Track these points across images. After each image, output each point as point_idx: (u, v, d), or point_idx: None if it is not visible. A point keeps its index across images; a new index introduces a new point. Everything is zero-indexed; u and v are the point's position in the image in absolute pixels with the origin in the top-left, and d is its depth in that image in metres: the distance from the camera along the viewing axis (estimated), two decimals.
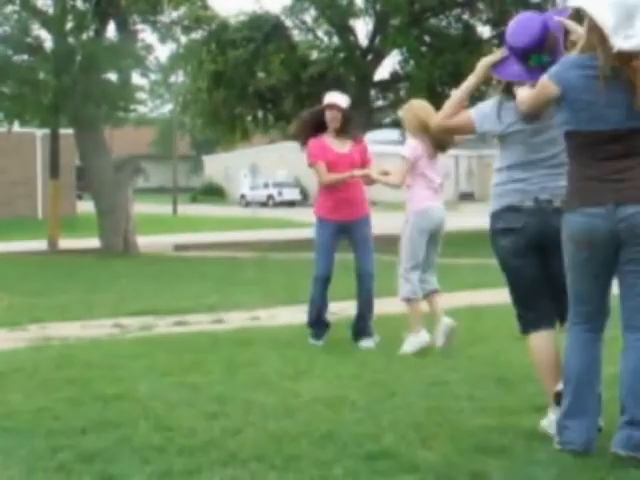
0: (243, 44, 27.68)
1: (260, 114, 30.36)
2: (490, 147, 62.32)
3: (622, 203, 4.57)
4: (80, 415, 5.50)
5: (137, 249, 22.83)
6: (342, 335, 8.54)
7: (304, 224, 38.42)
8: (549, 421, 5.06)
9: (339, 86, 28.88)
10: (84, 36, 22.52)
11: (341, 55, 28.80)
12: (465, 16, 29.58)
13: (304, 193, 69.10)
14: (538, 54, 5.02)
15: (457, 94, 5.34)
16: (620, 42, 4.48)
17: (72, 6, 22.73)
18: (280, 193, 65.80)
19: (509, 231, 5.16)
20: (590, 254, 4.67)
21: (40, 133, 36.91)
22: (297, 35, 30.11)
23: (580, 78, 4.60)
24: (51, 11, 23.02)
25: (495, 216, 5.24)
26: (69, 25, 22.57)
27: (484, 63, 5.29)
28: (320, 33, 29.99)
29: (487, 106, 5.36)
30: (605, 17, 4.51)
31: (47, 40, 23.16)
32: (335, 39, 29.46)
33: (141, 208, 32.25)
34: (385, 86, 31.14)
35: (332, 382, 6.41)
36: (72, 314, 10.65)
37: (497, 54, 5.24)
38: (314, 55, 29.70)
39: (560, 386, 4.96)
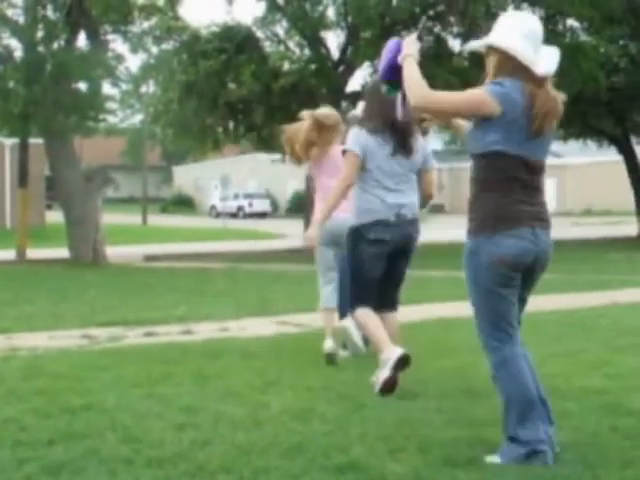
0: (214, 55, 27.66)
1: (231, 125, 30.35)
2: (461, 160, 62.59)
3: (542, 229, 4.84)
4: (47, 426, 5.46)
5: (106, 259, 22.74)
6: (311, 347, 8.53)
7: (275, 235, 38.44)
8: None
9: (310, 98, 29.00)
10: (54, 45, 22.43)
11: (312, 67, 28.84)
12: (436, 29, 29.71)
13: (274, 204, 69.12)
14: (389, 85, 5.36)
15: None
16: (541, 67, 4.72)
17: (43, 15, 22.66)
18: (251, 204, 65.76)
19: (379, 241, 6.64)
20: (517, 275, 4.82)
21: (9, 142, 36.73)
22: (268, 46, 30.13)
23: (518, 103, 4.70)
24: (21, 20, 22.94)
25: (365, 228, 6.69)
26: (39, 34, 22.49)
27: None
28: (292, 45, 30.04)
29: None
30: (522, 44, 4.69)
31: (17, 49, 23.09)
32: (306, 51, 29.51)
33: (111, 218, 32.13)
34: (356, 98, 31.14)
35: (301, 394, 6.40)
36: (40, 324, 10.58)
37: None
38: (285, 66, 29.72)
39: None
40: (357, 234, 6.83)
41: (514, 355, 4.87)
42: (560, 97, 4.88)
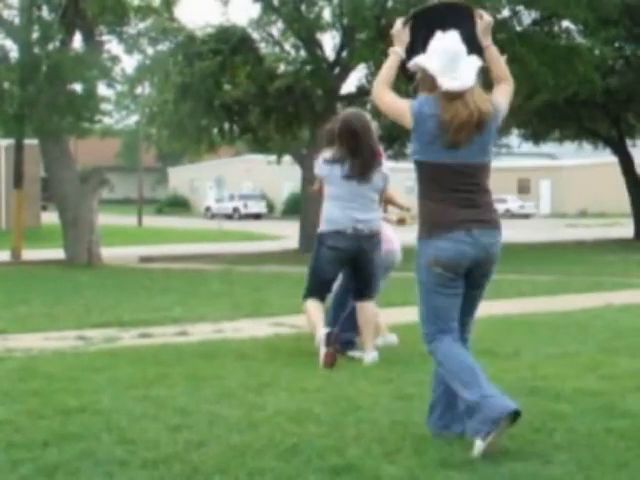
0: (210, 56, 27.64)
1: (226, 126, 30.33)
2: None
3: (481, 229, 5.15)
4: (42, 428, 5.45)
5: (102, 260, 22.72)
6: (307, 348, 8.53)
7: (270, 236, 38.44)
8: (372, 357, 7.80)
9: (306, 99, 29.01)
10: (50, 46, 22.41)
11: (308, 68, 28.83)
12: None
13: (270, 206, 69.14)
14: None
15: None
16: (446, 83, 5.07)
17: (38, 16, 22.64)
18: (246, 205, 65.74)
19: (334, 248, 7.90)
20: (455, 276, 5.17)
21: (4, 143, 36.72)
22: (264, 48, 30.12)
23: (429, 115, 5.10)
24: (17, 21, 22.92)
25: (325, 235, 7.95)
26: (35, 35, 22.47)
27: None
28: (287, 46, 30.03)
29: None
30: (431, 62, 5.14)
31: (12, 50, 23.07)
32: (302, 52, 29.50)
33: (106, 219, 32.10)
34: (351, 100, 31.19)
35: (296, 395, 6.40)
36: (35, 326, 10.58)
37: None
38: (281, 68, 29.72)
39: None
40: (319, 239, 8.05)
41: (448, 344, 5.22)
42: (486, 105, 5.17)
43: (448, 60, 5.13)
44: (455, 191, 5.12)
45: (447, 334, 5.22)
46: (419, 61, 5.20)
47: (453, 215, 5.10)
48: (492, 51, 5.45)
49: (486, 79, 5.44)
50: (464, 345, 5.31)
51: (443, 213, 5.11)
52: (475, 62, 5.22)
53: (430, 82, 5.15)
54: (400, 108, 5.21)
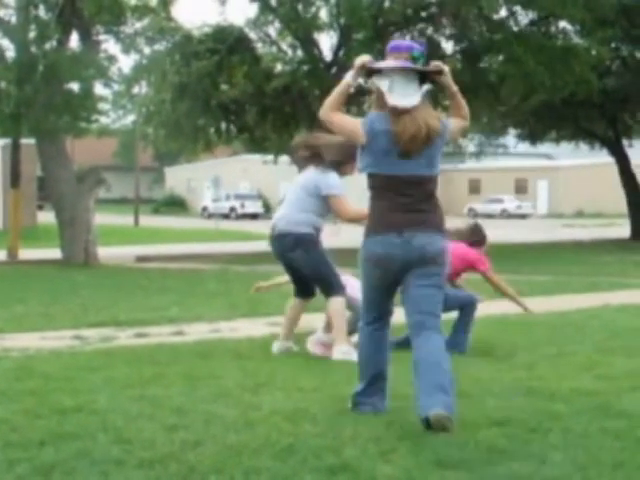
0: (207, 56, 27.64)
1: (223, 126, 30.34)
2: (451, 162, 62.55)
3: (414, 232, 5.71)
4: (38, 427, 5.45)
5: (98, 260, 22.72)
6: (303, 348, 8.54)
7: (266, 237, 38.43)
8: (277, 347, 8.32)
9: (303, 99, 29.00)
10: (47, 46, 22.39)
11: (305, 68, 28.84)
12: (429, 31, 29.73)
13: (267, 206, 69.07)
14: (420, 54, 5.91)
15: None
16: (392, 100, 5.67)
17: (35, 16, 22.62)
18: (242, 205, 65.70)
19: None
20: (387, 272, 5.79)
21: (1, 143, 36.67)
22: (261, 48, 30.12)
23: (381, 131, 5.69)
24: (14, 20, 22.90)
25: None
26: (32, 35, 22.46)
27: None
28: (284, 46, 30.03)
29: None
30: (383, 81, 5.73)
31: (9, 49, 23.04)
32: (299, 52, 29.51)
33: (103, 219, 32.09)
34: (349, 100, 31.16)
35: (293, 395, 6.40)
36: (31, 325, 10.58)
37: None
38: (278, 68, 29.73)
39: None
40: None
41: (369, 334, 5.98)
42: (434, 121, 5.72)
43: (398, 79, 5.71)
44: (399, 197, 5.72)
45: (375, 324, 5.96)
46: (374, 80, 5.81)
47: (389, 218, 5.74)
48: (458, 97, 6.00)
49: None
50: (428, 339, 5.72)
51: (381, 217, 5.77)
52: (424, 85, 5.79)
53: (381, 100, 5.75)
54: (350, 126, 5.85)
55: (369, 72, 5.86)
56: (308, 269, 8.23)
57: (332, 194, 8.10)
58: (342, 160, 8.05)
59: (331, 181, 8.11)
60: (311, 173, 8.19)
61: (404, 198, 5.71)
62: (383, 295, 5.90)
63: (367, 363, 5.99)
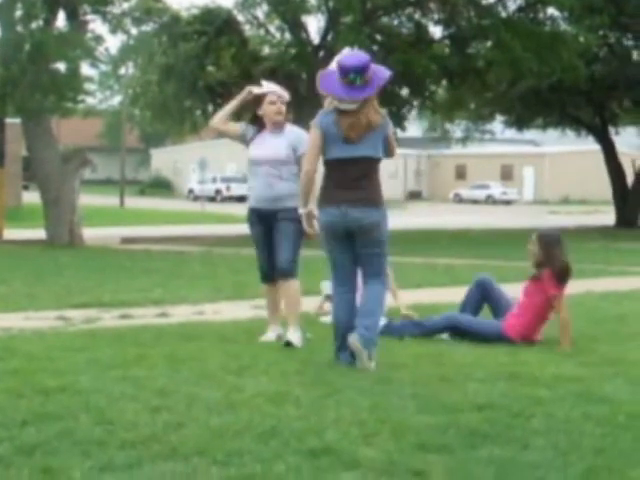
0: (194, 38, 27.57)
1: (210, 108, 30.25)
2: (439, 147, 62.67)
3: (351, 207, 6.92)
4: (20, 407, 5.44)
5: (83, 241, 22.65)
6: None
7: None
8: (266, 337, 8.10)
9: (290, 82, 28.94)
10: (33, 25, 22.25)
11: (292, 51, 28.79)
12: (417, 16, 29.70)
13: None
14: (356, 75, 6.89)
15: (229, 107, 8.32)
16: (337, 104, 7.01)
17: None
18: (228, 188, 65.56)
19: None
20: (336, 238, 7.06)
21: None
22: (249, 30, 30.05)
23: (330, 124, 6.99)
24: None
25: None
26: (18, 14, 22.31)
27: (249, 89, 8.05)
28: (272, 29, 29.97)
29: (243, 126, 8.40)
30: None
31: None
32: (287, 35, 29.44)
33: (88, 200, 32.01)
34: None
35: (276, 378, 6.41)
36: (15, 305, 10.55)
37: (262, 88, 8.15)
38: (265, 50, 29.68)
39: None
40: None
41: (338, 294, 7.14)
42: (376, 116, 7.02)
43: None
44: (342, 177, 6.97)
45: (343, 286, 7.11)
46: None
47: (332, 194, 7.00)
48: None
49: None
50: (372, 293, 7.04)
51: (327, 192, 7.05)
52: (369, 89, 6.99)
53: (330, 101, 7.11)
54: (313, 146, 7.10)
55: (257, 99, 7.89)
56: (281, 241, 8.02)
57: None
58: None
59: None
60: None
61: (345, 178, 6.99)
62: (339, 256, 7.10)
63: (340, 322, 7.06)
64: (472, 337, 8.15)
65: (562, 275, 8.18)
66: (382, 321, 7.78)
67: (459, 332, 8.28)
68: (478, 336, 8.14)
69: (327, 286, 9.70)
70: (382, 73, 7.09)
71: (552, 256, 8.18)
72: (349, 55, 7.24)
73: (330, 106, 7.13)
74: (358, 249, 7.05)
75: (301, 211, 7.32)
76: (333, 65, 7.20)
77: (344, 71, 6.96)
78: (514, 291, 9.00)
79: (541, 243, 8.27)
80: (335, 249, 7.12)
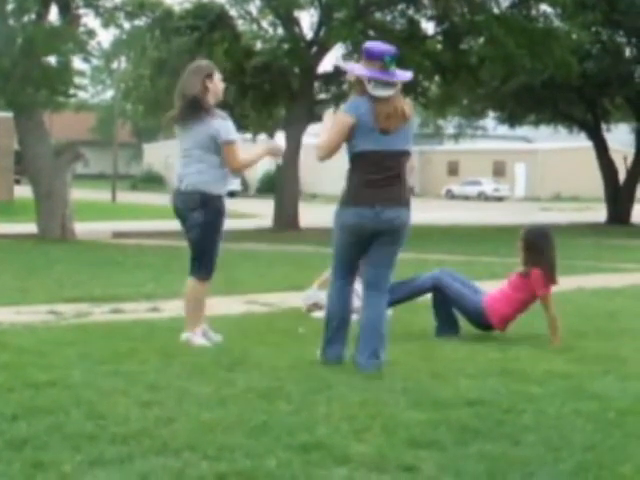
0: (187, 32, 27.54)
1: None
2: (431, 143, 62.66)
3: (387, 207, 6.56)
4: (11, 401, 5.43)
5: (75, 235, 22.62)
6: (279, 326, 8.55)
7: (244, 215, 38.38)
8: (186, 336, 7.57)
9: (283, 77, 28.94)
10: (25, 19, 22.20)
11: (285, 46, 28.76)
12: (410, 11, 29.68)
13: (245, 184, 68.95)
14: (391, 59, 6.52)
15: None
16: (373, 91, 6.47)
17: None
18: None
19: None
20: (359, 239, 6.67)
21: None
22: (241, 25, 30.02)
23: (365, 113, 6.46)
24: None
25: None
26: (10, 7, 22.26)
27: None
28: (265, 24, 29.94)
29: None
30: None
31: None
32: (280, 30, 29.41)
33: (80, 194, 31.94)
34: (328, 79, 31.16)
35: (267, 373, 6.41)
36: (6, 299, 10.52)
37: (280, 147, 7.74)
38: (258, 45, 29.64)
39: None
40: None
41: (337, 289, 6.84)
42: (407, 107, 6.64)
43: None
44: (375, 173, 6.55)
45: (344, 279, 6.81)
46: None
47: (364, 193, 6.54)
48: None
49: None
50: (372, 291, 6.74)
51: (359, 191, 6.56)
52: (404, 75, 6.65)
53: (361, 88, 6.52)
54: (339, 133, 6.58)
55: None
56: (198, 240, 7.75)
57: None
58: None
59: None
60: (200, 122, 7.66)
61: (378, 175, 6.56)
62: (353, 258, 6.78)
63: (334, 314, 6.81)
64: (452, 304, 8.23)
65: (551, 275, 8.18)
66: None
67: (442, 295, 8.28)
68: (457, 305, 8.22)
69: (312, 296, 9.67)
70: (406, 72, 6.78)
71: (541, 255, 8.16)
72: (377, 43, 6.84)
73: (357, 95, 6.60)
74: (375, 245, 6.69)
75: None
76: (352, 64, 6.87)
77: (378, 54, 6.52)
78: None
79: (529, 241, 8.23)
80: (352, 248, 6.73)
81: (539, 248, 8.17)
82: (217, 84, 7.78)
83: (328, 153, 6.70)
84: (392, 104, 6.49)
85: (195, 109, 7.57)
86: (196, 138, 7.57)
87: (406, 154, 6.68)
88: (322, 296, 9.17)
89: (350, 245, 6.72)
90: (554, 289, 8.34)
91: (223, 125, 7.58)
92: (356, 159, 6.60)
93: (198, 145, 7.56)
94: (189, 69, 7.89)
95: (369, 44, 6.73)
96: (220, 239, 7.82)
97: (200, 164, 7.56)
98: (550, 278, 8.14)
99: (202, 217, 7.60)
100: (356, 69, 6.62)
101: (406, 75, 6.67)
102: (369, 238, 6.65)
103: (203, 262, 7.81)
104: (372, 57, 6.51)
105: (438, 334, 8.22)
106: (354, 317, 9.03)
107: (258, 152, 7.84)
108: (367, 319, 6.72)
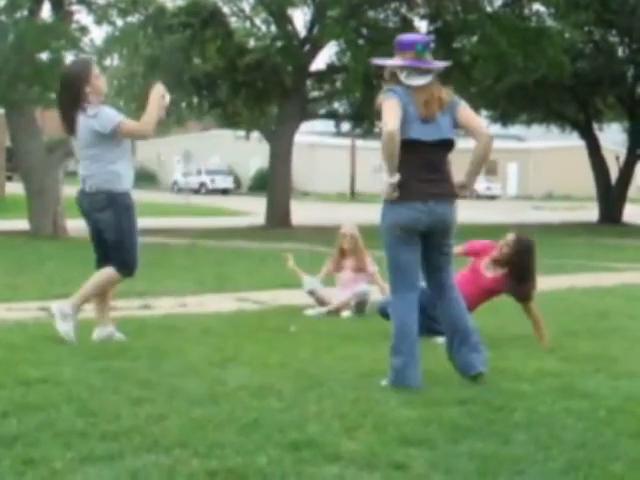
0: (180, 30, 27.52)
1: (195, 100, 30.21)
2: None
3: (439, 202, 6.17)
4: (2, 398, 5.42)
5: (67, 232, 22.58)
6: (270, 324, 8.55)
7: (236, 212, 38.39)
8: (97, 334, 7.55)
9: (275, 75, 28.93)
10: (17, 15, 22.15)
11: (278, 44, 28.75)
12: (403, 10, 29.70)
13: (237, 181, 68.89)
14: (424, 47, 6.27)
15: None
16: (409, 80, 6.21)
17: None
18: (213, 180, 65.48)
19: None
20: (412, 237, 6.17)
21: None
22: (234, 22, 30.00)
23: (406, 101, 6.10)
24: None
25: None
26: (2, 3, 22.22)
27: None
28: (258, 21, 29.92)
29: None
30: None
31: None
32: (273, 28, 29.39)
33: (72, 191, 31.81)
34: (321, 77, 31.16)
35: (259, 370, 6.41)
36: None
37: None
38: (251, 43, 29.62)
39: None
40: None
41: (404, 305, 6.18)
42: (444, 93, 6.25)
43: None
44: (422, 165, 6.14)
45: (410, 292, 6.18)
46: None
47: (415, 187, 6.09)
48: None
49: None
50: (447, 292, 6.33)
51: (409, 184, 6.06)
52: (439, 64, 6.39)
53: (395, 80, 6.24)
54: (397, 114, 6.04)
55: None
56: (110, 234, 7.72)
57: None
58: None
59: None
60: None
61: (424, 168, 6.16)
62: (410, 257, 6.20)
63: (407, 336, 6.13)
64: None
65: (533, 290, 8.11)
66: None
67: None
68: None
69: (309, 282, 9.75)
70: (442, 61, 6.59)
71: (527, 271, 8.09)
72: (408, 34, 6.69)
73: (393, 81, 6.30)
74: (431, 250, 6.29)
75: (390, 180, 6.12)
76: (385, 59, 6.55)
77: (410, 44, 6.30)
78: None
79: (514, 250, 8.17)
80: (407, 249, 6.18)
81: (528, 265, 8.10)
82: (96, 82, 7.61)
83: (396, 138, 6.02)
84: (429, 91, 6.20)
85: (75, 114, 7.53)
86: (87, 139, 7.53)
87: (450, 143, 6.29)
88: (319, 286, 9.72)
89: (402, 245, 6.17)
90: (544, 288, 8.35)
91: (102, 117, 7.49)
92: (404, 149, 6.08)
93: (91, 145, 7.53)
94: (64, 74, 7.82)
95: (400, 36, 6.50)
96: (136, 233, 7.81)
97: (99, 163, 7.54)
98: (530, 294, 8.09)
99: (112, 217, 7.60)
100: (389, 61, 6.40)
101: (442, 63, 6.47)
102: (419, 238, 6.20)
103: (124, 259, 7.72)
104: (404, 47, 6.30)
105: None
106: (345, 313, 9.19)
107: (151, 103, 7.71)
108: (454, 318, 6.37)
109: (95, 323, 7.84)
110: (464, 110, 6.27)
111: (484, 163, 6.43)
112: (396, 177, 6.05)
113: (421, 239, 6.21)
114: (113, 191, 7.55)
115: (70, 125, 7.62)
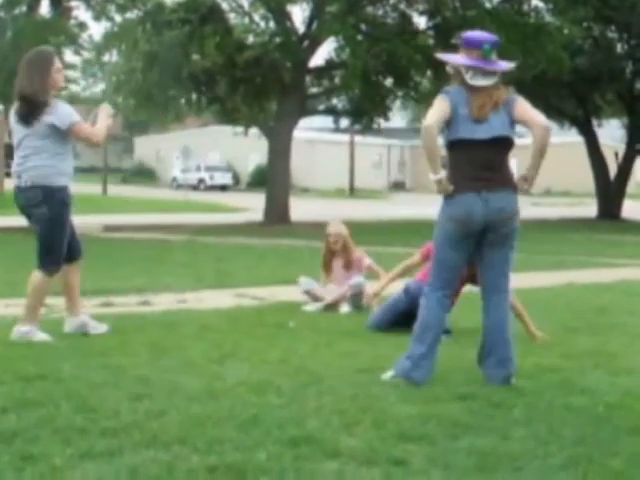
0: (179, 25, 27.47)
1: (194, 97, 30.18)
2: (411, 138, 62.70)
3: (493, 192, 6.11)
4: (1, 394, 5.42)
5: None
6: (269, 320, 8.55)
7: (235, 209, 38.39)
8: (24, 331, 7.31)
9: (274, 71, 28.90)
10: (16, 11, 22.14)
11: (277, 40, 28.71)
12: (402, 6, 29.67)
13: (236, 177, 68.87)
14: (491, 47, 6.21)
15: None
16: (472, 80, 6.17)
17: None
18: (212, 177, 65.46)
19: None
20: (466, 235, 6.12)
21: None
22: (233, 18, 29.97)
23: (460, 102, 6.12)
24: None
25: None
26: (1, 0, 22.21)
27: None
28: (256, 17, 29.88)
29: None
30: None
31: None
32: (271, 24, 29.35)
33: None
34: (320, 73, 31.14)
35: (258, 367, 6.41)
36: None
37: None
38: (250, 39, 29.59)
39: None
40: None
41: (436, 298, 6.16)
42: (501, 93, 6.24)
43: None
44: (473, 162, 6.11)
45: (442, 290, 6.18)
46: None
47: (466, 180, 6.07)
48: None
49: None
50: (493, 294, 6.35)
51: (460, 178, 6.08)
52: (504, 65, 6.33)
53: (460, 78, 6.19)
54: (440, 112, 6.10)
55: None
56: (43, 229, 7.62)
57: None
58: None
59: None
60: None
61: (479, 162, 6.13)
62: (455, 256, 6.15)
63: (432, 327, 6.15)
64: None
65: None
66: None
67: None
68: None
69: (304, 282, 9.71)
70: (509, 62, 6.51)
71: None
72: (476, 32, 6.56)
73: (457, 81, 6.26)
74: (488, 247, 6.20)
75: (435, 177, 6.16)
76: (450, 55, 6.53)
77: (477, 43, 6.21)
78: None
79: None
80: (454, 248, 6.12)
81: None
82: (56, 75, 7.53)
83: (433, 133, 6.05)
84: (487, 94, 6.14)
85: (34, 107, 7.43)
86: (39, 130, 7.41)
87: (504, 140, 6.27)
88: (315, 285, 9.69)
89: (451, 242, 6.12)
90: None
91: (60, 112, 7.43)
92: (452, 148, 6.18)
93: (42, 136, 7.42)
94: (25, 62, 7.60)
95: (468, 33, 6.41)
96: (67, 232, 7.68)
97: (42, 155, 7.44)
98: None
99: (47, 212, 7.50)
100: (454, 58, 6.33)
101: (508, 65, 6.40)
102: (472, 235, 6.12)
103: (50, 256, 7.62)
104: (470, 46, 6.21)
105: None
106: (343, 309, 9.14)
107: (101, 120, 7.63)
108: (489, 324, 6.31)
109: (66, 315, 7.88)
110: (520, 105, 6.24)
111: (543, 154, 6.38)
112: (442, 174, 6.07)
113: (479, 237, 6.14)
114: (50, 186, 7.45)
115: (25, 118, 7.49)
